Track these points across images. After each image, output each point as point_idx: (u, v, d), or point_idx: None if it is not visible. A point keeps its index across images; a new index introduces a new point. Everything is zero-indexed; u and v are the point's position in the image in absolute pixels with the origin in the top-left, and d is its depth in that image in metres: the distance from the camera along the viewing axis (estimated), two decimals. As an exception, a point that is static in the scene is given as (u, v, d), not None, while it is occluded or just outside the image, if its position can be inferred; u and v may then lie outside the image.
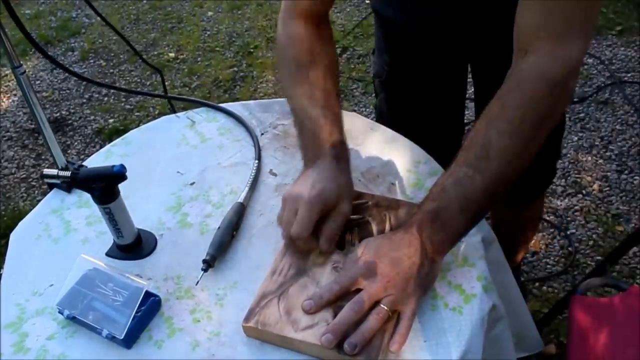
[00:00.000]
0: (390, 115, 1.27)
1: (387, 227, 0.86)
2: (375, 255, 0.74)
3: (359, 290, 0.74)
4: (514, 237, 1.54)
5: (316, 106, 0.89)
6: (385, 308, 0.72)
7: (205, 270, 0.83)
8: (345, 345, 0.70)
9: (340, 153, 0.86)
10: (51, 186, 1.01)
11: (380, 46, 1.22)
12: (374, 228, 0.86)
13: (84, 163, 1.03)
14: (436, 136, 1.18)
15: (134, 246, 0.89)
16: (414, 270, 0.73)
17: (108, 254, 0.89)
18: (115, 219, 0.84)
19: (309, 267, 0.81)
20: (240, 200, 0.93)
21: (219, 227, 0.88)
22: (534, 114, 0.74)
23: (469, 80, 1.26)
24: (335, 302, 0.75)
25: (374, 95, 2.54)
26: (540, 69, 0.74)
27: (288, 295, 0.77)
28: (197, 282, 0.82)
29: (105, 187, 0.80)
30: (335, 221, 0.81)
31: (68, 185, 0.99)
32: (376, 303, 0.72)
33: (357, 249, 0.77)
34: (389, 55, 1.19)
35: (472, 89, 1.27)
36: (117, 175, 0.78)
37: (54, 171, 0.85)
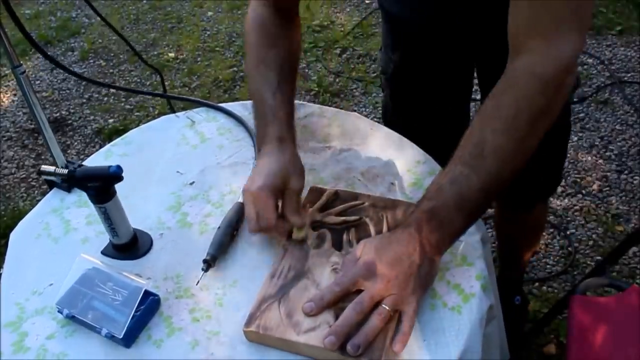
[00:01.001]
0: (395, 113, 1.27)
1: (385, 227, 0.86)
2: (375, 255, 0.74)
3: (359, 291, 0.74)
4: (516, 243, 1.53)
5: (268, 89, 0.91)
6: (387, 308, 0.72)
7: (205, 270, 0.83)
8: (348, 347, 0.70)
9: (284, 134, 0.88)
10: (51, 186, 1.01)
11: (386, 42, 1.21)
12: (372, 229, 0.86)
13: (83, 163, 1.03)
14: (440, 135, 1.17)
15: (130, 246, 0.89)
16: (413, 269, 0.73)
17: (103, 253, 0.89)
18: (111, 219, 0.84)
19: (308, 269, 0.81)
20: (241, 200, 0.93)
21: (219, 227, 0.88)
22: (527, 112, 0.74)
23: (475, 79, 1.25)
24: (336, 303, 0.75)
25: (374, 95, 2.54)
26: (532, 67, 0.74)
27: (288, 298, 0.77)
28: (198, 282, 0.82)
29: (100, 187, 0.80)
30: (290, 198, 0.85)
31: (68, 185, 1.00)
32: (377, 303, 0.72)
33: (356, 249, 0.77)
34: (395, 51, 1.19)
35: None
36: (113, 176, 0.78)
37: (51, 168, 0.85)
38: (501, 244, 1.64)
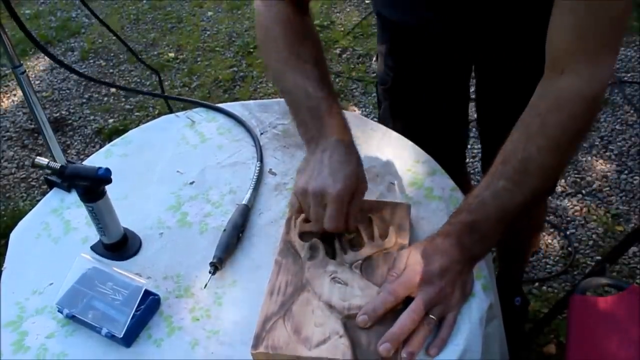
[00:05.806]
0: (395, 123, 1.24)
1: (375, 230, 0.85)
2: (423, 264, 0.75)
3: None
4: (515, 241, 1.53)
5: (312, 84, 0.87)
6: (435, 318, 0.73)
7: (213, 273, 0.83)
8: (403, 354, 0.71)
9: (347, 132, 0.86)
10: (51, 186, 1.01)
11: (384, 51, 1.20)
12: (362, 232, 0.85)
13: (84, 163, 1.03)
14: (441, 139, 1.17)
15: (118, 246, 0.89)
16: (459, 278, 0.75)
17: (92, 249, 0.90)
18: (98, 218, 0.84)
19: (307, 281, 0.80)
20: (245, 202, 0.93)
21: (224, 230, 0.88)
22: (573, 131, 0.77)
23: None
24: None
25: (373, 95, 2.52)
26: (579, 89, 0.76)
27: (292, 314, 0.76)
28: (206, 285, 0.82)
29: (88, 187, 0.81)
30: (358, 201, 0.82)
31: (68, 185, 1.00)
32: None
33: (399, 260, 0.77)
34: (394, 60, 1.18)
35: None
36: (101, 178, 0.79)
37: (45, 160, 0.86)
38: (500, 243, 1.63)
